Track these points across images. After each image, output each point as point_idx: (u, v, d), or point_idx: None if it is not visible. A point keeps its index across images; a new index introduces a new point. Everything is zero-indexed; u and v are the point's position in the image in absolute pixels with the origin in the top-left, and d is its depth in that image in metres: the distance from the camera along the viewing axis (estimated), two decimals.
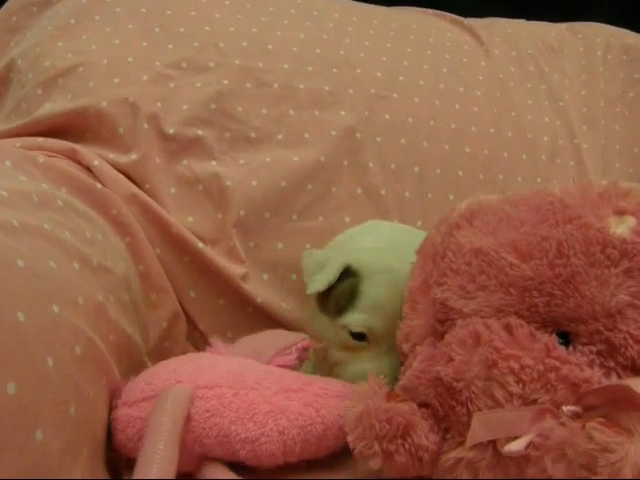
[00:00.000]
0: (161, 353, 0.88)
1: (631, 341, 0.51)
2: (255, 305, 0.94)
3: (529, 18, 1.50)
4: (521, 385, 0.50)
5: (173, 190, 0.97)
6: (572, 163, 1.27)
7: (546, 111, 1.30)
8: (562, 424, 0.46)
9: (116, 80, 1.01)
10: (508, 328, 0.53)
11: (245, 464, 0.58)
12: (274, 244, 0.97)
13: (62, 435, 0.45)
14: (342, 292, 0.74)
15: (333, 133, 1.05)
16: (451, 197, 1.09)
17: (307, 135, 1.04)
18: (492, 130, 1.20)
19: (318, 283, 0.73)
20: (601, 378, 0.50)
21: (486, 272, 0.56)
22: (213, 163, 0.99)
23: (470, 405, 0.51)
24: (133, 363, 0.71)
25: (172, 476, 0.49)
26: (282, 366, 0.67)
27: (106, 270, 0.67)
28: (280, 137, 1.03)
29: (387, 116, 1.10)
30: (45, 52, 1.05)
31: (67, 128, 0.98)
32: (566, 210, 0.55)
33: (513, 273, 0.54)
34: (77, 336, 0.52)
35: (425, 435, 0.52)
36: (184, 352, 0.91)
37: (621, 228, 0.54)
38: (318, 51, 1.13)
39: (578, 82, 1.40)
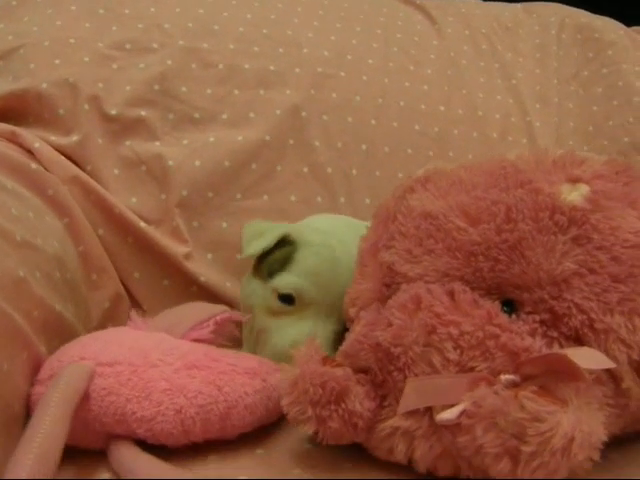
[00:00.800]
0: None
1: (575, 310, 0.50)
2: (199, 284, 0.93)
3: None
4: (459, 352, 0.48)
5: (116, 171, 0.97)
6: (524, 140, 1.27)
7: (498, 89, 1.31)
8: (496, 393, 0.44)
9: (57, 61, 0.99)
10: (451, 293, 0.52)
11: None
12: (218, 223, 0.97)
13: None
14: (277, 259, 0.74)
15: (278, 112, 1.04)
16: (400, 175, 1.09)
17: (252, 114, 1.04)
18: (442, 108, 1.20)
19: (254, 247, 0.73)
20: (542, 348, 0.49)
21: (434, 236, 0.55)
22: (156, 144, 0.99)
23: (407, 371, 0.50)
24: (66, 341, 0.70)
25: (58, 453, 0.48)
26: (197, 340, 0.65)
27: (32, 247, 0.67)
28: (225, 117, 1.03)
29: (334, 95, 1.10)
30: None
31: (8, 110, 0.97)
32: (518, 175, 0.55)
33: (460, 237, 0.54)
34: None
35: (360, 401, 0.51)
36: None
37: (573, 195, 0.53)
38: (265, 31, 1.13)
39: (532, 60, 1.41)
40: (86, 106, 0.97)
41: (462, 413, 0.45)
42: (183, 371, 0.58)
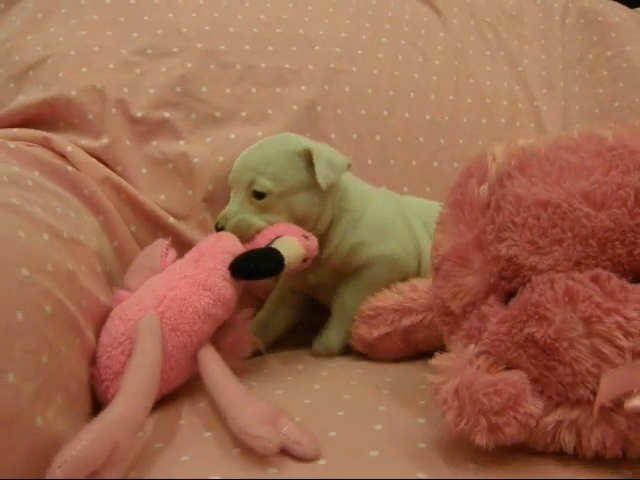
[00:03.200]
0: None
1: None
2: None
3: None
4: (630, 338, 0.47)
5: (144, 170, 1.02)
6: (532, 125, 1.31)
7: (505, 76, 1.35)
8: None
9: (84, 69, 1.05)
10: (598, 280, 0.50)
11: None
12: None
13: (34, 380, 0.50)
14: None
15: (294, 108, 1.09)
16: (413, 162, 1.14)
17: (270, 111, 1.09)
18: (451, 97, 1.24)
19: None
20: None
21: (559, 225, 0.53)
22: (181, 143, 1.04)
23: (576, 365, 0.48)
24: None
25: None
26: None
27: (78, 243, 0.72)
28: (244, 114, 1.08)
29: (347, 89, 1.15)
30: (15, 47, 1.09)
31: (40, 118, 1.02)
32: (634, 156, 0.53)
33: (591, 224, 0.52)
34: (46, 296, 0.57)
35: (534, 403, 0.49)
36: None
37: None
38: (278, 31, 1.18)
39: (537, 47, 1.44)
40: (113, 110, 1.03)
41: None
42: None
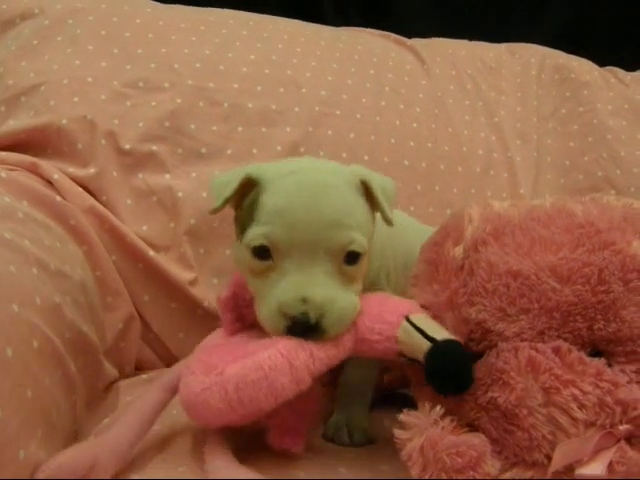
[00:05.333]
0: (117, 352, 0.96)
1: None
2: (203, 308, 1.02)
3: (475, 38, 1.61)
4: (584, 410, 0.52)
5: (129, 201, 1.05)
6: (505, 175, 1.37)
7: (482, 126, 1.40)
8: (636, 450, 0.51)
9: (76, 99, 1.08)
10: (559, 352, 0.55)
11: None
12: (222, 250, 1.05)
13: (19, 414, 0.52)
14: (245, 209, 0.65)
15: (278, 148, 1.13)
16: None
17: (255, 150, 1.13)
18: (430, 144, 1.29)
19: (218, 200, 0.66)
20: None
21: (527, 295, 0.57)
22: (167, 176, 1.08)
23: (533, 431, 0.53)
24: (89, 359, 0.78)
25: None
26: None
27: (63, 275, 0.75)
28: (229, 152, 1.11)
29: (330, 132, 1.19)
30: (8, 71, 1.12)
31: (29, 143, 1.06)
32: (600, 235, 0.58)
33: (556, 298, 0.56)
34: (34, 331, 0.60)
35: (492, 464, 0.53)
36: (138, 352, 1.00)
37: None
38: (267, 71, 1.22)
39: (514, 99, 1.50)
40: (103, 141, 1.06)
41: (607, 467, 0.50)
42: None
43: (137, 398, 0.66)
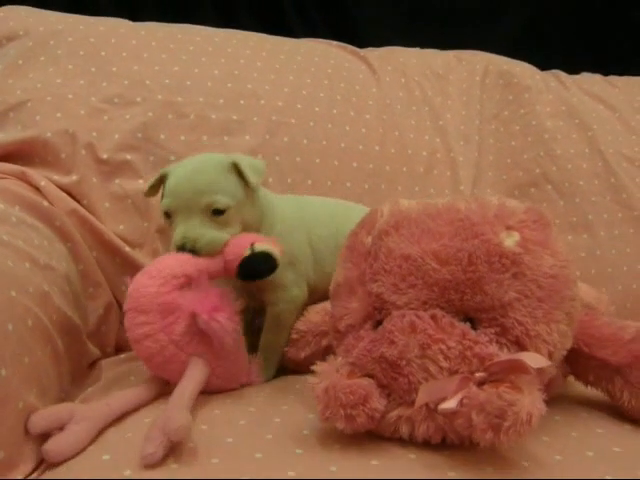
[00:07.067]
0: (99, 335, 1.11)
1: (516, 324, 0.68)
2: None
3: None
4: (448, 361, 0.66)
5: (107, 204, 1.20)
6: (448, 173, 1.49)
7: (427, 130, 1.53)
8: (482, 389, 0.62)
9: (58, 114, 1.22)
10: (434, 318, 0.69)
11: None
12: None
13: (18, 374, 0.68)
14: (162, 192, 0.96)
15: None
16: None
17: None
18: (377, 147, 1.43)
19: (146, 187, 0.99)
20: (497, 351, 0.67)
21: (414, 274, 0.71)
22: (140, 182, 1.22)
23: (411, 377, 0.67)
24: (73, 339, 0.94)
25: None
26: None
27: (51, 268, 0.90)
28: None
29: (285, 139, 1.34)
30: None
31: (18, 154, 1.20)
32: (473, 227, 0.71)
33: (435, 276, 0.70)
34: (28, 312, 0.75)
35: (378, 400, 0.67)
36: (118, 335, 1.15)
37: (509, 241, 0.70)
38: (229, 85, 1.36)
39: (459, 103, 1.62)
40: (83, 151, 1.21)
41: (459, 403, 0.62)
42: None
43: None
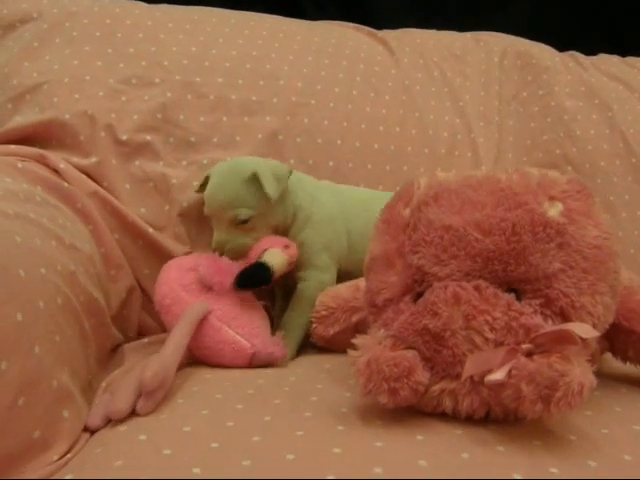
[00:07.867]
0: (121, 319, 1.09)
1: (561, 295, 0.67)
2: None
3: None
4: (494, 332, 0.64)
5: (127, 186, 1.18)
6: (469, 154, 1.48)
7: (447, 111, 1.51)
8: (531, 359, 0.61)
9: (76, 96, 1.20)
10: (478, 289, 0.67)
11: None
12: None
13: (51, 353, 0.66)
14: None
15: (259, 136, 1.26)
16: (362, 186, 1.31)
17: (238, 138, 1.25)
18: (398, 129, 1.41)
19: (195, 187, 1.14)
20: (543, 323, 0.66)
21: (456, 245, 0.69)
22: (160, 164, 1.20)
23: (455, 349, 0.65)
24: (99, 321, 0.91)
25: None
26: None
27: (75, 248, 0.88)
28: (215, 140, 1.24)
29: (306, 120, 1.32)
30: (13, 71, 1.24)
31: (35, 137, 1.18)
32: (515, 197, 0.69)
33: (478, 246, 0.68)
34: (58, 291, 0.73)
35: (422, 373, 0.65)
36: (140, 319, 1.14)
37: (553, 211, 0.69)
38: (248, 66, 1.34)
39: (477, 84, 1.61)
40: (102, 133, 1.19)
41: (507, 374, 0.61)
42: None
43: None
